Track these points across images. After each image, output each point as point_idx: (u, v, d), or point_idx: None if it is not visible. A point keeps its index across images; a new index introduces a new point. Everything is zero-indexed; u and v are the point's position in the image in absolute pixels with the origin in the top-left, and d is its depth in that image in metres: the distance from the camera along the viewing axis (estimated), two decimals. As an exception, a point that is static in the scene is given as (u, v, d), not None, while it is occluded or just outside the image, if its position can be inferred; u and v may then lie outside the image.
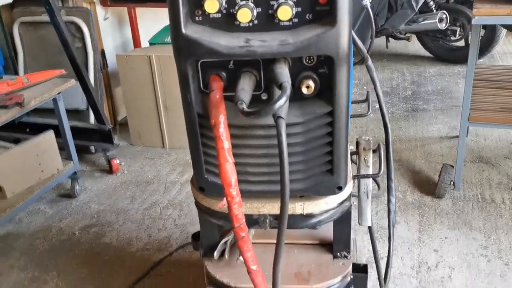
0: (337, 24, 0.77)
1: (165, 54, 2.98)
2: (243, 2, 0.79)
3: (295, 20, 0.80)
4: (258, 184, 0.93)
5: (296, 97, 0.85)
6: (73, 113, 3.11)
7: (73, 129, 2.74)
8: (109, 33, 3.52)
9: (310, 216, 0.98)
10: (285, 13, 0.77)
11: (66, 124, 2.66)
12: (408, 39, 4.17)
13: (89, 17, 3.06)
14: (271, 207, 0.98)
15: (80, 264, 2.28)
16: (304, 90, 0.84)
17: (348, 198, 1.02)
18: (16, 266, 2.30)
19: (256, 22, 0.80)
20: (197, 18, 0.81)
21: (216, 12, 0.79)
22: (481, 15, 1.98)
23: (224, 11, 0.80)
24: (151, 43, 3.44)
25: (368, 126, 3.26)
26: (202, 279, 2.14)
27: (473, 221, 2.36)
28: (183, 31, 0.79)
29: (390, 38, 4.27)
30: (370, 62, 1.22)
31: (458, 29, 4.00)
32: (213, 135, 0.83)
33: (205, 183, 0.96)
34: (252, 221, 0.99)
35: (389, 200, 1.37)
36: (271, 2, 0.79)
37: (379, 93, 1.26)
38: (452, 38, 4.11)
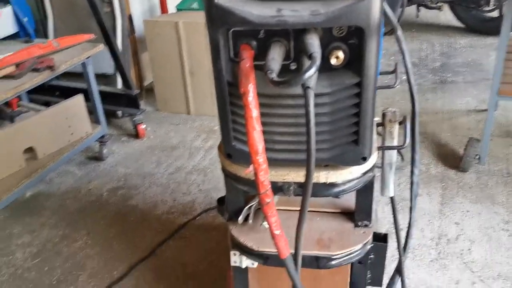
0: (369, -5, 0.77)
1: (192, 21, 2.98)
2: (276, -28, 0.79)
3: (327, -10, 0.80)
4: (284, 153, 0.96)
5: (325, 67, 0.86)
6: (101, 77, 3.16)
7: (101, 94, 2.80)
8: (136, -2, 3.53)
9: (333, 185, 1.00)
10: (317, -18, 0.77)
11: (95, 88, 2.72)
12: (439, 8, 4.07)
13: (117, -18, 3.07)
14: (296, 175, 1.00)
15: (108, 224, 2.37)
16: (333, 61, 0.85)
17: (371, 169, 1.04)
18: (47, 224, 2.40)
19: (288, -8, 0.80)
20: (229, -13, 0.82)
21: (248, -19, 0.80)
22: (518, -15, 1.92)
23: (257, -20, 0.80)
24: (178, 9, 3.44)
25: (394, 98, 3.23)
26: (225, 242, 2.20)
27: (496, 196, 2.35)
28: (216, 0, 0.80)
29: (421, 7, 4.16)
30: (400, 32, 1.20)
31: (492, -1, 3.87)
32: (242, 104, 0.85)
33: (233, 150, 0.98)
34: (276, 188, 1.01)
35: (412, 172, 1.38)
36: (304, -28, 0.79)
37: (408, 65, 1.24)
38: (486, 8, 3.99)
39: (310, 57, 0.76)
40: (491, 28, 4.13)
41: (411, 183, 1.39)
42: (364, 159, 0.96)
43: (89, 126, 2.73)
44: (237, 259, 1.22)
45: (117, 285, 2.01)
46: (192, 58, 3.09)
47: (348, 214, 1.19)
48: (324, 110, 0.89)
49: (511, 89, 2.32)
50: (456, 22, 4.37)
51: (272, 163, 0.95)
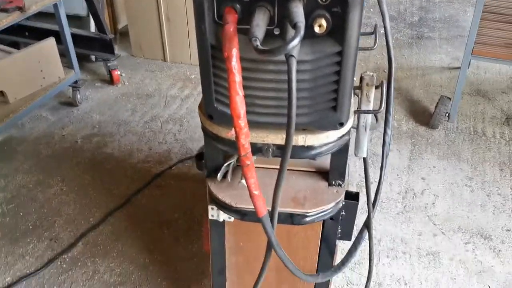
0: (355, -34, 0.77)
1: (169, -37, 2.88)
2: None
3: (314, -44, 0.79)
4: (265, 116, 0.98)
5: (308, 34, 0.87)
6: (73, 19, 3.06)
7: (74, 36, 2.72)
8: None
9: (311, 148, 1.03)
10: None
11: (67, 31, 2.63)
12: (421, -40, 4.02)
13: None
14: (275, 137, 1.03)
15: (83, 171, 2.38)
16: (317, 29, 0.85)
17: (347, 133, 1.07)
18: (20, 169, 2.39)
19: (274, -46, 0.80)
20: (215, -52, 0.80)
21: None
22: None
23: None
24: (154, -51, 3.28)
25: (371, 53, 3.25)
26: (200, 191, 2.25)
27: (462, 153, 2.46)
28: (201, -38, 0.79)
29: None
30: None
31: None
32: (224, 67, 0.86)
33: (214, 111, 1.00)
34: (256, 149, 1.04)
35: (385, 132, 1.42)
36: None
37: (387, 27, 1.26)
38: (467, -38, 3.96)
39: (295, 26, 0.77)
40: (470, -17, 4.12)
41: (384, 143, 1.44)
42: (342, 125, 0.99)
43: (61, 70, 2.67)
44: (215, 213, 1.27)
45: (94, 231, 2.06)
46: (169, 3, 3.01)
47: (322, 173, 1.23)
48: (305, 76, 0.91)
49: (485, 50, 2.37)
50: (436, -25, 4.33)
51: (252, 125, 0.97)
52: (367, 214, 1.41)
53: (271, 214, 0.99)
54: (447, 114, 2.59)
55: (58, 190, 2.27)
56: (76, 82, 2.78)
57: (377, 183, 1.41)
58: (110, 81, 3.03)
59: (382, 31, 1.25)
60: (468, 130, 2.60)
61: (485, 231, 2.02)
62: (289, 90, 0.81)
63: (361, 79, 1.18)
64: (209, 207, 1.27)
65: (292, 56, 0.79)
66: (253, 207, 0.98)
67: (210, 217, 1.28)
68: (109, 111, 2.80)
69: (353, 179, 2.20)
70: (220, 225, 1.29)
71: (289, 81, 0.80)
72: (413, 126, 2.64)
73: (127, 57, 3.33)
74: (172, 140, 2.58)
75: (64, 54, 2.71)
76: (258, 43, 0.79)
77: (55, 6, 2.48)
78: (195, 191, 2.26)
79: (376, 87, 1.19)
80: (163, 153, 2.49)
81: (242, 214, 1.16)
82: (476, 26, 2.29)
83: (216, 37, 0.90)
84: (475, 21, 2.29)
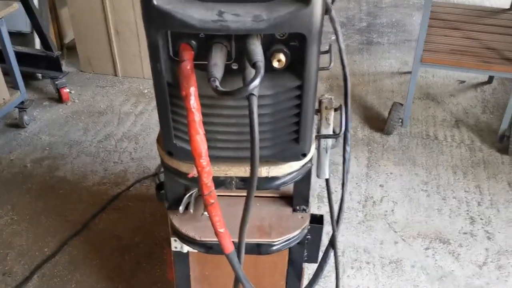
0: (311, 3, 0.76)
1: (115, -23, 2.80)
2: (216, -28, 0.76)
3: (269, -7, 0.78)
4: (227, 150, 0.96)
5: (267, 69, 0.85)
6: (16, 36, 2.93)
7: (18, 55, 2.60)
8: None
9: (274, 178, 1.02)
10: (259, -13, 0.75)
11: (11, 51, 2.52)
12: (366, -34, 4.11)
13: None
14: (238, 170, 1.01)
15: (34, 197, 2.27)
16: (275, 64, 0.84)
17: (310, 160, 1.07)
18: (-34, 199, 2.26)
19: (229, -8, 0.78)
20: (167, -14, 0.77)
21: (188, -19, 0.76)
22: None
23: (197, -20, 0.77)
24: (99, -38, 3.19)
25: (323, 58, 3.27)
26: (159, 212, 2.20)
27: (416, 157, 2.52)
28: (154, 2, 0.75)
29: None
30: (333, 12, 1.21)
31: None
32: (182, 104, 0.83)
33: (174, 147, 0.96)
34: (218, 182, 1.02)
35: (344, 149, 1.43)
36: (244, -27, 0.76)
37: (341, 46, 1.26)
38: (410, -32, 4.08)
39: (254, 65, 0.75)
40: (414, -13, 4.26)
41: (344, 160, 1.45)
42: (304, 155, 0.98)
43: (6, 92, 2.54)
44: (178, 245, 1.23)
45: (50, 262, 1.97)
46: (117, 16, 2.93)
47: (286, 198, 1.22)
48: (265, 111, 0.89)
49: (433, 57, 2.44)
50: (381, -20, 4.44)
51: (214, 159, 0.95)
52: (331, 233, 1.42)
53: (238, 250, 0.97)
54: (400, 120, 2.65)
55: (8, 219, 2.16)
56: (22, 102, 2.65)
57: (339, 201, 1.42)
58: (59, 99, 2.91)
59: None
60: (421, 135, 2.68)
61: (443, 236, 2.07)
62: (251, 130, 0.79)
63: (320, 102, 1.18)
64: (172, 238, 1.24)
65: (253, 95, 0.77)
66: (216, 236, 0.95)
67: (173, 248, 1.25)
68: (60, 132, 2.69)
69: (313, 190, 2.21)
70: (184, 256, 1.26)
71: (251, 121, 0.78)
72: (368, 133, 2.69)
73: (75, 73, 3.22)
74: (128, 159, 2.50)
75: (8, 73, 2.58)
76: (217, 83, 0.77)
77: (-4, 25, 2.36)
78: (155, 212, 2.20)
79: (335, 110, 1.19)
80: (119, 174, 2.41)
81: (207, 248, 1.13)
82: (424, 34, 2.36)
83: (173, 75, 0.87)
84: (423, 29, 2.35)
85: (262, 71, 0.75)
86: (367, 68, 3.30)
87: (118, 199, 2.26)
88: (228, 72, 0.86)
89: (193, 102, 0.82)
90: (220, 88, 0.75)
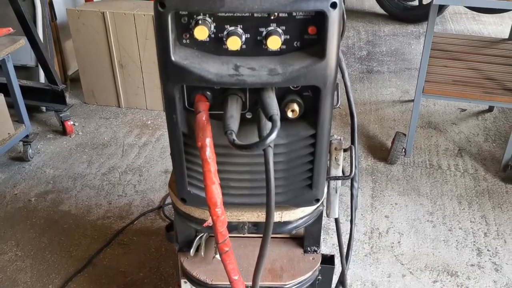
0: (326, 57, 0.78)
1: (120, 11, 2.84)
2: (232, 28, 0.77)
3: (283, 46, 0.80)
4: (240, 197, 0.96)
5: (280, 118, 0.86)
6: (21, 70, 2.96)
7: (23, 88, 2.62)
8: (56, -18, 3.29)
9: (287, 223, 1.02)
10: (274, 42, 0.77)
11: (16, 85, 2.54)
12: (365, -4, 4.18)
13: (35, -34, 2.84)
14: (250, 215, 1.01)
15: (39, 232, 2.26)
16: (289, 114, 0.85)
17: (321, 204, 1.07)
18: (-30, 235, 2.24)
19: (244, 47, 0.79)
20: (184, 41, 0.79)
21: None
22: (443, -5, 2.02)
23: (213, 35, 0.78)
24: (103, -4, 3.25)
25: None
26: (165, 247, 2.18)
27: (421, 187, 2.52)
28: (172, 58, 0.77)
29: (347, -5, 4.26)
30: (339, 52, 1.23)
31: (414, -11, 4.04)
32: (197, 153, 0.84)
33: (188, 194, 0.97)
34: (231, 227, 1.02)
35: (352, 185, 1.44)
36: (259, 28, 0.78)
37: (347, 83, 1.28)
38: (408, -3, 4.16)
39: (270, 119, 0.76)
40: (412, 16, 4.34)
41: (351, 196, 1.45)
42: (317, 201, 0.99)
43: (11, 126, 2.55)
44: (188, 286, 1.23)
45: (54, 300, 1.94)
46: (121, 49, 2.96)
47: (297, 239, 1.22)
48: (279, 158, 0.90)
49: (434, 88, 2.47)
50: (379, 9, 4.52)
51: (228, 206, 0.95)
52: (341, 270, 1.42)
53: (252, 296, 0.96)
54: (403, 150, 2.66)
55: (12, 256, 2.14)
56: (27, 136, 2.66)
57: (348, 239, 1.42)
58: (63, 132, 2.92)
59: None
60: (425, 164, 2.68)
61: (451, 268, 2.06)
62: (267, 181, 0.79)
63: (330, 144, 1.19)
64: (182, 280, 1.23)
65: (269, 147, 0.78)
66: (230, 284, 0.95)
67: (183, 291, 1.24)
68: (64, 165, 2.70)
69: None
70: (194, 298, 1.25)
71: (266, 172, 0.79)
72: (372, 163, 2.70)
73: (79, 105, 3.24)
74: (132, 192, 2.50)
75: (12, 106, 2.60)
76: (234, 136, 0.78)
77: (3, 61, 2.38)
78: (159, 246, 2.19)
79: (345, 150, 1.20)
80: (124, 207, 2.40)
81: (219, 292, 1.13)
82: (425, 65, 2.39)
83: (188, 125, 0.88)
84: (424, 59, 2.38)
85: (278, 124, 0.76)
86: (368, 97, 3.33)
87: (122, 233, 2.25)
88: (242, 121, 0.87)
89: (209, 153, 0.83)
90: (238, 142, 0.76)
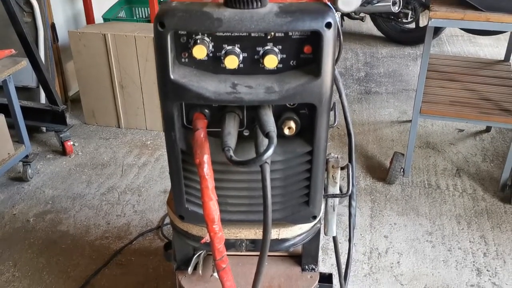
0: (321, 75, 0.79)
1: (121, 33, 2.89)
2: (230, 47, 0.79)
3: (280, 65, 0.82)
4: (238, 214, 0.97)
5: (278, 135, 0.88)
6: (22, 90, 2.98)
7: (23, 109, 2.64)
8: (59, 4, 3.35)
9: (284, 240, 1.03)
10: (271, 61, 0.79)
11: (17, 106, 2.56)
12: (362, 19, 4.24)
13: (39, -10, 2.90)
14: (248, 233, 1.02)
15: (36, 253, 2.25)
16: (286, 131, 0.87)
17: (319, 221, 1.08)
18: (-32, 255, 2.23)
19: (242, 65, 0.81)
20: (183, 60, 0.81)
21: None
22: (438, 17, 2.06)
23: (211, 54, 0.80)
24: (105, 19, 3.31)
25: (323, 109, 3.33)
26: (164, 266, 2.17)
27: (419, 207, 2.52)
28: (171, 76, 0.79)
29: (344, 17, 4.32)
30: (336, 71, 1.25)
31: (410, 12, 4.10)
32: (195, 170, 0.85)
33: (185, 211, 0.98)
34: (229, 244, 1.02)
35: (350, 204, 1.44)
36: (257, 48, 0.80)
37: (344, 103, 1.30)
38: (404, 20, 4.22)
39: (267, 136, 0.78)
40: (409, 38, 4.40)
41: (349, 215, 1.46)
42: (315, 218, 0.99)
43: (11, 147, 2.56)
44: (186, 306, 1.22)
45: (51, 322, 1.93)
46: (122, 71, 3.00)
47: (294, 257, 1.22)
48: (276, 175, 0.91)
49: (432, 109, 2.49)
50: (377, 32, 4.59)
51: (225, 222, 0.96)
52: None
53: (250, 315, 0.96)
54: (402, 170, 2.67)
55: (10, 276, 2.13)
56: (27, 156, 2.67)
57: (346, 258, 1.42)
58: (63, 152, 2.93)
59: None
60: (423, 184, 2.69)
61: (450, 288, 2.05)
62: (264, 197, 0.80)
63: (326, 161, 1.20)
64: (180, 299, 1.23)
65: (266, 163, 0.79)
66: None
67: (182, 310, 1.23)
68: (63, 185, 2.70)
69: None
70: (192, 318, 1.24)
71: (263, 188, 0.80)
72: (370, 183, 2.70)
73: (79, 125, 3.26)
74: (131, 212, 2.50)
75: (13, 126, 2.62)
76: (231, 153, 0.79)
77: (4, 82, 2.41)
78: (158, 266, 2.18)
79: (342, 169, 1.21)
80: (122, 227, 2.40)
81: (217, 310, 1.12)
82: (422, 86, 2.42)
83: (186, 142, 0.89)
84: (421, 80, 2.41)
85: (275, 141, 0.77)
86: (366, 117, 3.35)
87: (121, 253, 2.24)
88: (239, 138, 0.89)
89: (207, 170, 0.84)
90: (235, 158, 0.77)
